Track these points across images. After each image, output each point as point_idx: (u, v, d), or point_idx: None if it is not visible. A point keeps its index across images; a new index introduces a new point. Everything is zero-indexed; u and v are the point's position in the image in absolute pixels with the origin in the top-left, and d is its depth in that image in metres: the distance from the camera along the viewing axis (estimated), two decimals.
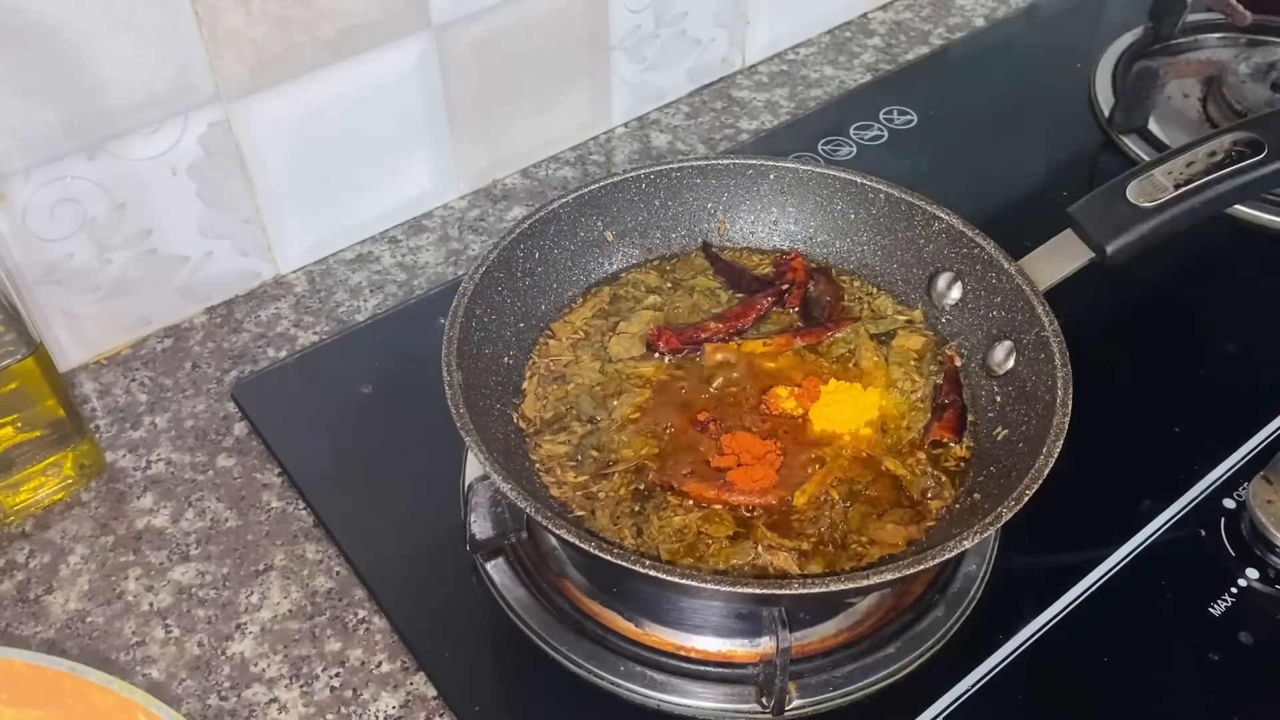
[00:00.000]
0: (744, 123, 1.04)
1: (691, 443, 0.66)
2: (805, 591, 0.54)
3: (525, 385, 0.70)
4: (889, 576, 0.55)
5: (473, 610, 0.66)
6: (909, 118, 1.03)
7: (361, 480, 0.73)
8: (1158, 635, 0.65)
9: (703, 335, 0.72)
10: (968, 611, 0.65)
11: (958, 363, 0.71)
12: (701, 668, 0.62)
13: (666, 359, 0.71)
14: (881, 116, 1.03)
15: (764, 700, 0.61)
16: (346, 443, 0.76)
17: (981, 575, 0.67)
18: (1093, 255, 0.70)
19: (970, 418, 0.68)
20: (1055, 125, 1.04)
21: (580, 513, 0.63)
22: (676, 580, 0.54)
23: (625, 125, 1.03)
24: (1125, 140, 0.98)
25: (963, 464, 0.66)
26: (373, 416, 0.77)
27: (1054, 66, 1.10)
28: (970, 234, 0.72)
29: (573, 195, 0.74)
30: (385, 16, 0.81)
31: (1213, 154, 0.73)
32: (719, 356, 0.71)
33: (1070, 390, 0.62)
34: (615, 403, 0.69)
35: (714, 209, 0.78)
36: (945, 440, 0.67)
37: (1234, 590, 0.67)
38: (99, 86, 0.71)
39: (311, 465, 0.74)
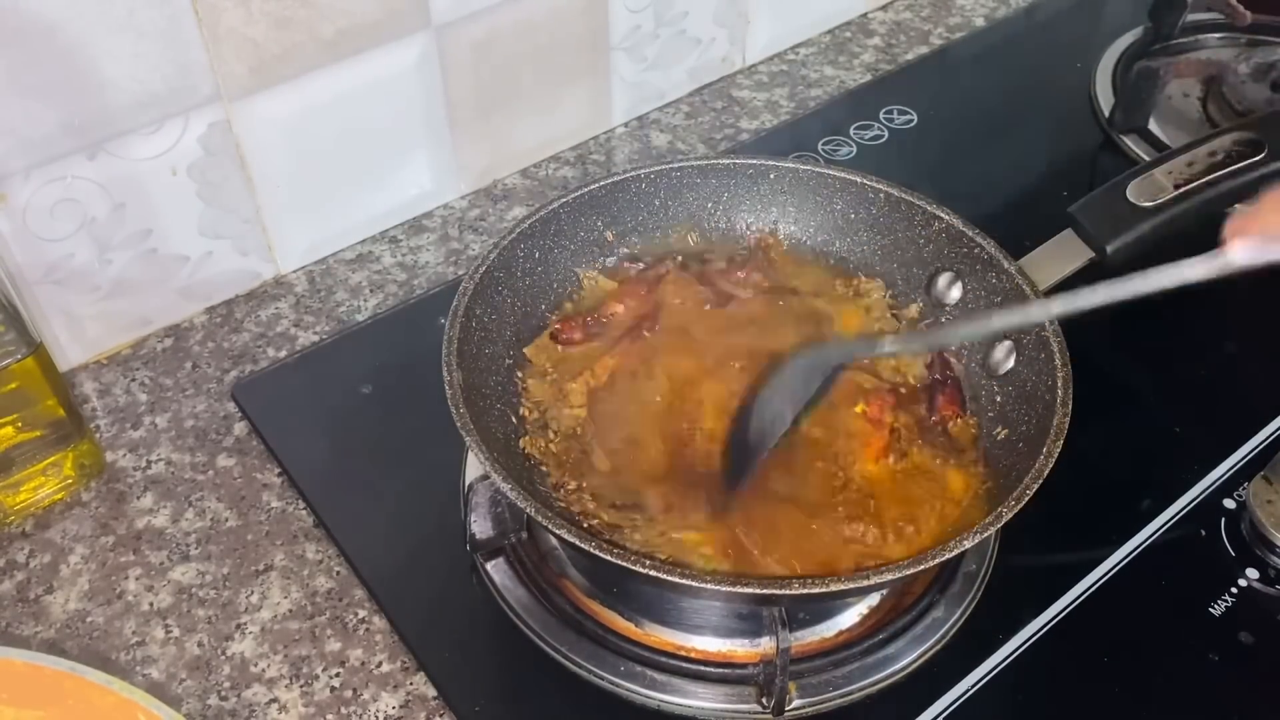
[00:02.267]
0: (744, 123, 1.04)
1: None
2: (805, 591, 0.54)
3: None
4: (889, 576, 0.55)
5: (473, 610, 0.66)
6: (909, 118, 1.03)
7: (361, 480, 0.73)
8: (1158, 635, 0.65)
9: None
10: (968, 612, 0.65)
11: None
12: (701, 668, 0.62)
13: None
14: (881, 116, 1.03)
15: (764, 700, 0.61)
16: (346, 443, 0.76)
17: (981, 575, 0.67)
18: (1093, 255, 0.70)
19: (971, 418, 0.69)
20: (1055, 125, 1.04)
21: (579, 512, 0.63)
22: (676, 580, 0.54)
23: (625, 125, 1.03)
24: (1125, 140, 0.98)
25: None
26: (373, 416, 0.77)
27: (1054, 66, 1.10)
28: (970, 234, 0.72)
29: (573, 195, 0.74)
30: (385, 16, 0.81)
31: (1213, 154, 0.73)
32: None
33: (1070, 390, 0.62)
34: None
35: (714, 209, 0.78)
36: (951, 416, 0.67)
37: (1234, 590, 0.67)
38: (99, 86, 0.71)
39: (311, 465, 0.74)
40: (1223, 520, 0.70)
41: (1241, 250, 0.52)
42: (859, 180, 0.76)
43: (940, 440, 0.67)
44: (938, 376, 0.69)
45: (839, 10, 1.15)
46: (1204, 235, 0.55)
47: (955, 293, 0.73)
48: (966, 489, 0.64)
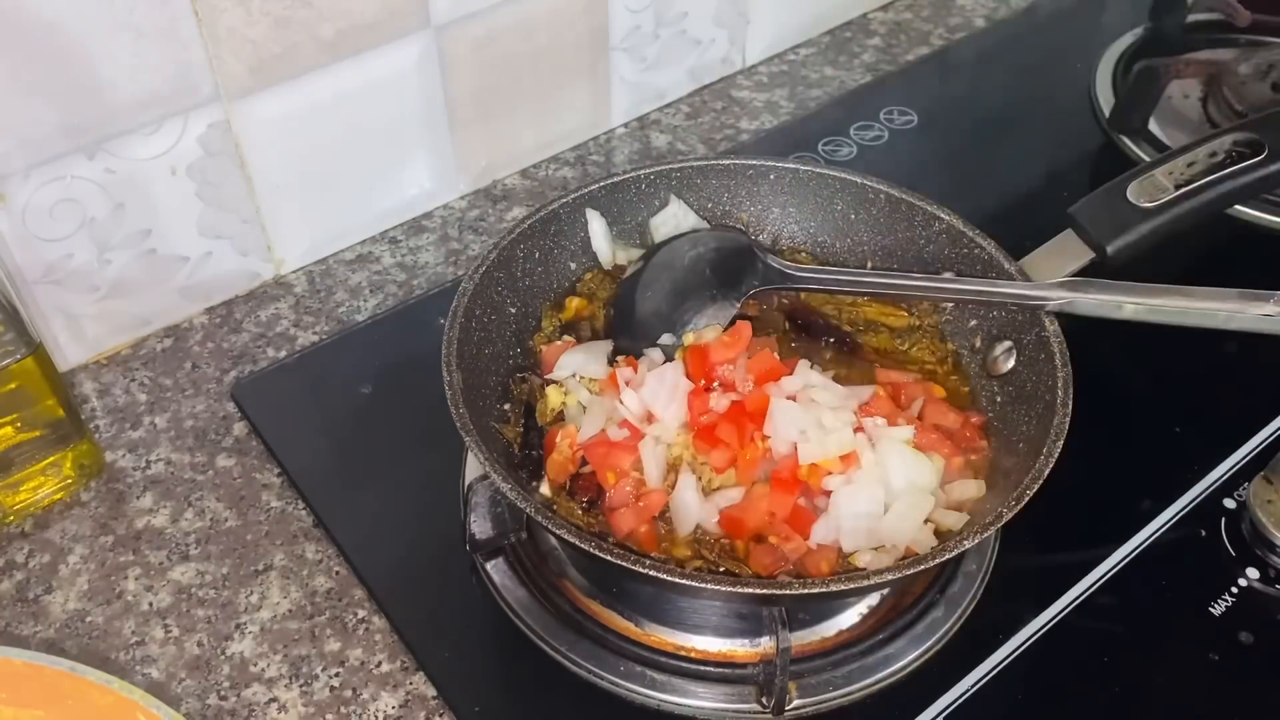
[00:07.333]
0: (744, 123, 1.04)
1: None
2: (805, 592, 0.54)
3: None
4: (889, 577, 0.55)
5: (473, 610, 0.66)
6: (909, 118, 1.03)
7: (361, 480, 0.73)
8: (1158, 635, 0.65)
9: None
10: (968, 611, 0.65)
11: None
12: (701, 668, 0.62)
13: None
14: (881, 116, 1.03)
15: (764, 700, 0.61)
16: (346, 443, 0.76)
17: (981, 575, 0.67)
18: (1093, 255, 0.70)
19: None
20: (1055, 125, 1.04)
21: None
22: (676, 580, 0.54)
23: (625, 125, 1.03)
24: (1125, 140, 0.98)
25: None
26: (373, 416, 0.77)
27: (1054, 66, 1.10)
28: (970, 234, 0.72)
29: (573, 195, 0.74)
30: (385, 16, 0.81)
31: (1213, 154, 0.73)
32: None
33: (1070, 390, 0.62)
34: None
35: (714, 209, 0.78)
36: None
37: (1234, 590, 0.67)
38: (99, 86, 0.71)
39: (311, 465, 0.74)
40: (1223, 520, 0.70)
41: None
42: (859, 180, 0.76)
43: None
44: None
45: (839, 10, 1.15)
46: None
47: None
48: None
